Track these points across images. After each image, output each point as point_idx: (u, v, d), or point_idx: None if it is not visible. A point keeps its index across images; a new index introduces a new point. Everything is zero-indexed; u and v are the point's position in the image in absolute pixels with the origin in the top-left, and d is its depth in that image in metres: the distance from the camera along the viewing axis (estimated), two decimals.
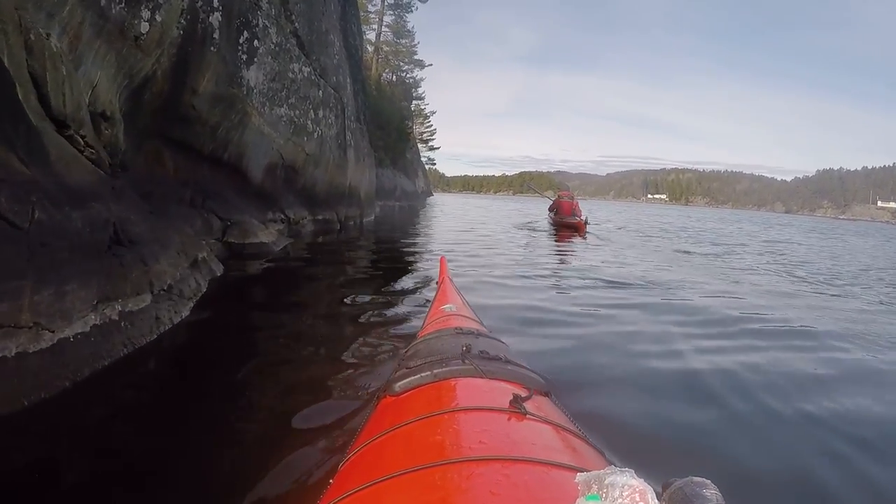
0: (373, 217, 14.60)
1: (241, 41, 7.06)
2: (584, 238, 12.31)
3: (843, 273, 9.09)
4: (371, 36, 43.37)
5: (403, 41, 46.01)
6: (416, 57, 47.43)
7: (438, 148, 73.91)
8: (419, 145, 69.33)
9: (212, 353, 3.14)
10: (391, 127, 30.83)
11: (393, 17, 45.07)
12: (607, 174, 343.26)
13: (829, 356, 3.63)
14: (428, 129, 74.64)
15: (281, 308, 4.35)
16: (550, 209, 16.20)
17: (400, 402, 1.39)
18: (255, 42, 7.46)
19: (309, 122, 9.19)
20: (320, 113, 9.62)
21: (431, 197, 58.74)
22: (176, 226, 4.99)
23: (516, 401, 1.18)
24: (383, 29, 44.22)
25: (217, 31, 6.31)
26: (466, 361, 1.47)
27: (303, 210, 9.65)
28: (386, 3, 43.70)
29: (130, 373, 2.64)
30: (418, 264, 7.36)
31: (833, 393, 2.90)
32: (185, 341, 3.23)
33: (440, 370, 1.43)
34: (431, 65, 49.35)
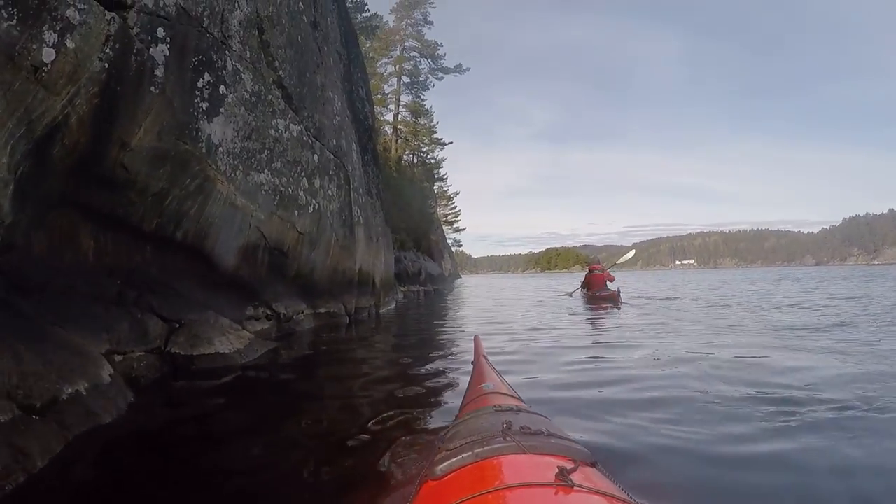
0: (393, 306, 12.51)
1: (199, 85, 5.22)
2: (619, 309, 11.64)
3: None
4: (389, 117, 43.35)
5: (422, 121, 45.69)
6: (435, 136, 46.91)
7: (464, 229, 72.99)
8: (444, 227, 68.48)
9: None
10: (413, 208, 29.46)
11: (410, 96, 45.02)
12: (633, 244, 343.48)
13: None
14: (452, 211, 73.99)
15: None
16: (583, 285, 15.52)
17: (442, 486, 1.34)
18: (222, 88, 5.65)
19: (301, 193, 7.27)
20: (316, 182, 7.73)
21: (459, 279, 57.17)
22: (77, 333, 3.39)
23: (562, 473, 1.15)
24: (401, 109, 44.04)
25: (162, 67, 4.47)
26: (508, 438, 1.44)
27: (298, 302, 7.58)
28: (402, 83, 43.69)
29: None
30: (451, 349, 6.35)
31: None
32: None
33: (481, 449, 1.40)
34: (452, 142, 48.84)
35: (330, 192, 8.21)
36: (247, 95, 6.11)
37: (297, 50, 7.66)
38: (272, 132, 6.67)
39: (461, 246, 78.83)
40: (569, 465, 1.23)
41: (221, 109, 5.58)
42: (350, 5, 27.08)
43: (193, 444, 2.97)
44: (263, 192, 6.43)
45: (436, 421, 3.25)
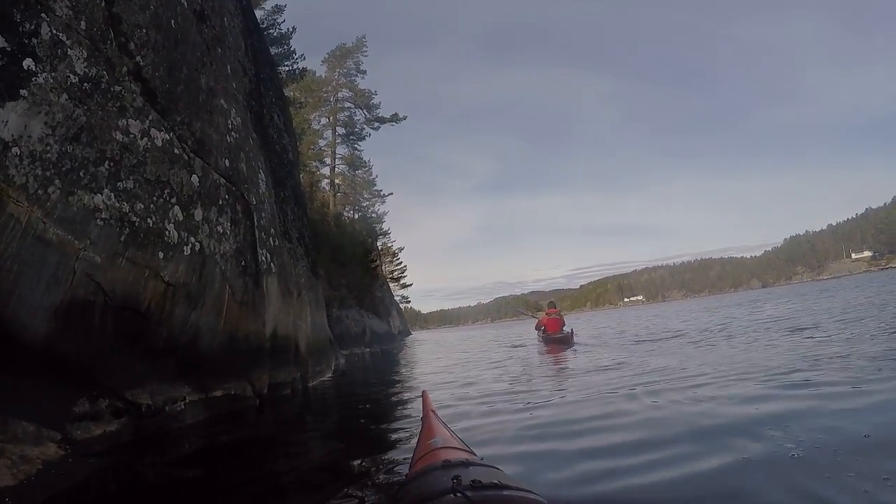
0: (329, 375, 10.11)
1: None
2: (574, 348, 11.79)
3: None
4: (326, 171, 41.47)
5: (360, 173, 44.03)
6: (375, 188, 45.24)
7: (411, 285, 71.03)
8: (391, 284, 66.20)
9: None
10: (354, 264, 27.29)
11: (346, 148, 43.43)
12: (580, 286, 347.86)
13: None
14: (398, 267, 71.99)
15: None
16: (537, 328, 15.29)
17: None
18: (29, 63, 3.58)
19: (170, 227, 5.03)
20: (197, 213, 5.50)
21: (410, 336, 54.65)
22: None
23: None
24: (337, 162, 42.28)
25: None
26: (458, 494, 1.38)
27: (175, 386, 5.15)
28: (337, 134, 42.07)
29: None
30: (402, 429, 4.68)
31: None
32: None
33: None
34: (392, 194, 47.51)
35: (220, 228, 5.98)
36: (74, 79, 4.02)
37: (170, 37, 5.62)
38: (118, 136, 4.50)
39: (409, 302, 76.63)
40: None
41: (24, 92, 3.47)
42: (278, 51, 25.37)
43: None
44: (100, 223, 4.20)
45: (385, 481, 2.96)
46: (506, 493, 1.39)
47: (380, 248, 62.07)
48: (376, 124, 45.14)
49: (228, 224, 6.18)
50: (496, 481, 1.45)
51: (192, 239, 5.43)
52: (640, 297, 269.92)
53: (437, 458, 1.89)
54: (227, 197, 6.26)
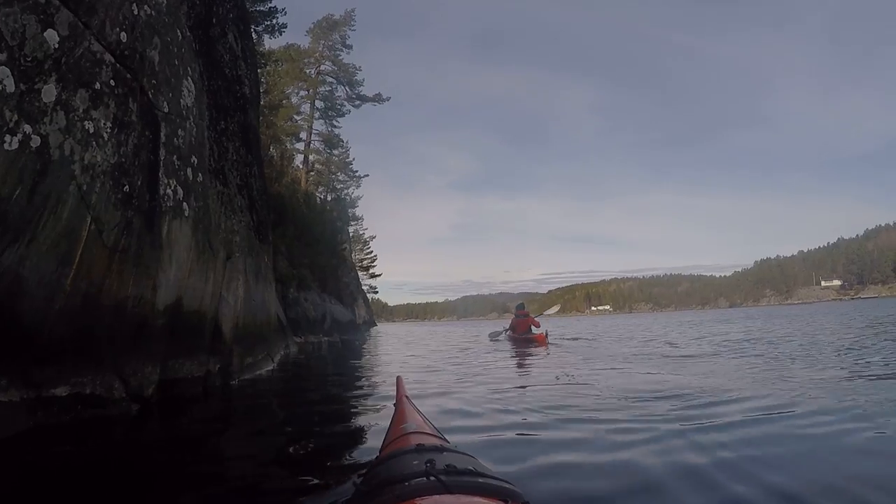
0: (270, 367, 7.81)
1: None
2: (547, 349, 11.74)
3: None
4: (300, 146, 38.90)
5: (336, 152, 41.48)
6: (351, 169, 42.74)
7: (380, 275, 68.88)
8: (359, 273, 63.82)
9: None
10: (321, 244, 24.97)
11: (324, 125, 40.84)
12: (549, 291, 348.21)
13: None
14: (368, 256, 69.67)
15: None
16: (510, 328, 15.88)
17: None
18: None
19: None
20: (46, 89, 3.25)
21: (375, 327, 52.49)
22: None
23: None
24: (313, 138, 39.67)
25: None
26: (431, 478, 1.30)
27: None
28: (315, 107, 39.44)
29: None
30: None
31: None
32: None
33: (401, 489, 1.28)
34: (367, 175, 44.99)
35: (91, 126, 3.69)
36: None
37: None
38: None
39: (377, 293, 74.57)
40: None
41: None
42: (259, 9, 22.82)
43: None
44: None
45: (353, 464, 2.94)
46: (480, 480, 1.33)
47: (351, 234, 59.84)
48: (358, 102, 42.59)
49: (108, 124, 3.89)
50: (470, 468, 1.40)
51: (28, 127, 3.15)
52: (607, 307, 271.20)
53: (410, 442, 1.76)
54: (112, 84, 3.97)
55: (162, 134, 4.74)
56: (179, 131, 5.14)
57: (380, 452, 2.08)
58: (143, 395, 4.19)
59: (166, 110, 4.88)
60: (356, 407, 5.02)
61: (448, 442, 2.01)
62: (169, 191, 4.76)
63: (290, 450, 3.33)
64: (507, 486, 1.35)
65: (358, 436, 3.78)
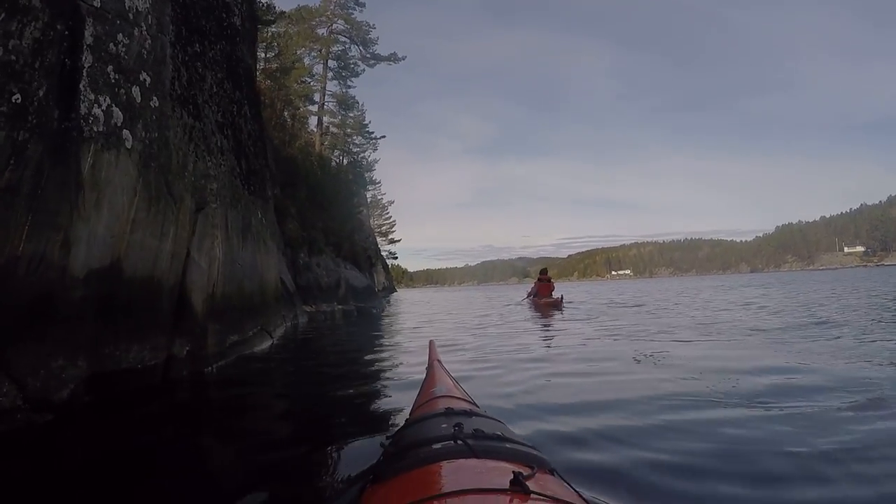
0: (268, 344, 6.57)
1: None
2: (562, 312, 12.34)
3: None
4: (314, 109, 37.40)
5: (351, 113, 39.88)
6: (367, 130, 41.14)
7: (399, 240, 67.95)
8: (378, 239, 62.87)
9: None
10: (336, 208, 23.75)
11: (337, 85, 39.18)
12: (569, 255, 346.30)
13: None
14: (387, 221, 68.62)
15: None
16: (530, 293, 16.57)
17: (385, 490, 1.23)
18: None
19: None
20: None
21: (395, 294, 51.47)
22: None
23: (517, 480, 1.02)
24: (327, 99, 38.09)
25: None
26: (459, 441, 1.32)
27: None
28: (329, 68, 37.79)
29: None
30: None
31: None
32: None
33: (429, 452, 1.29)
34: (384, 136, 43.11)
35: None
36: None
37: None
38: None
39: (396, 259, 73.83)
40: (525, 472, 1.09)
41: None
42: None
43: None
44: None
45: (386, 422, 3.08)
46: (507, 445, 1.32)
47: (369, 199, 58.52)
48: (372, 61, 40.74)
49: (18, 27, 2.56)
50: (499, 433, 1.41)
51: None
52: (627, 272, 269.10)
53: (440, 406, 1.78)
54: None
55: (88, 34, 3.39)
56: (121, 37, 3.77)
57: (411, 413, 2.04)
58: (55, 399, 2.92)
59: (97, 5, 3.52)
60: (367, 386, 4.34)
61: (478, 407, 1.95)
62: (98, 111, 3.41)
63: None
64: (533, 452, 1.32)
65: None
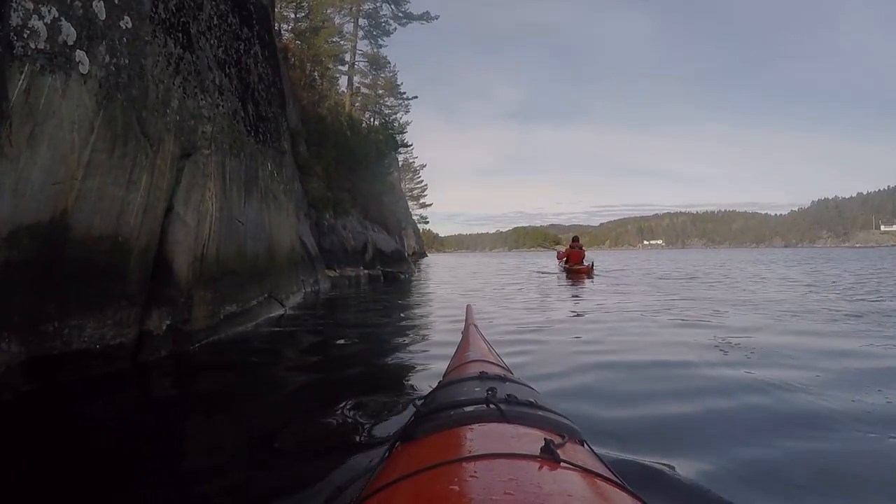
0: (280, 313, 5.90)
1: None
2: (593, 280, 12.88)
3: None
4: (343, 70, 36.37)
5: (382, 73, 38.75)
6: (399, 90, 40.02)
7: (430, 205, 67.15)
8: (410, 203, 62.14)
9: None
10: (365, 169, 23.04)
11: (368, 45, 38.02)
12: (601, 224, 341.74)
13: None
14: (419, 185, 67.83)
15: None
16: (560, 257, 17.34)
17: (415, 449, 1.20)
18: None
19: None
20: None
21: (426, 259, 50.86)
22: None
23: (548, 447, 1.00)
24: (357, 59, 37.00)
25: None
26: (491, 406, 1.27)
27: None
28: (359, 26, 36.60)
29: None
30: None
31: None
32: None
33: (460, 414, 1.26)
34: (416, 97, 41.98)
35: None
36: None
37: None
38: None
39: (428, 223, 73.22)
40: (556, 440, 1.06)
41: None
42: None
43: None
44: None
45: (417, 386, 3.07)
46: (540, 413, 1.27)
47: (401, 163, 57.63)
48: (404, 20, 39.29)
49: None
50: (532, 400, 1.34)
51: None
52: (660, 242, 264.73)
53: (474, 370, 1.72)
54: None
55: None
56: None
57: (444, 375, 2.04)
58: None
59: None
60: (389, 359, 4.00)
61: (511, 373, 1.88)
62: (38, 23, 2.63)
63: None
64: (565, 421, 1.28)
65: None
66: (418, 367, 3.61)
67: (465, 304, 3.36)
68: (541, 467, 0.96)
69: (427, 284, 13.09)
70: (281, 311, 6.03)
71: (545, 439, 1.03)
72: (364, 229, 16.19)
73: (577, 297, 8.98)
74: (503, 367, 2.00)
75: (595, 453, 1.20)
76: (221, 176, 4.46)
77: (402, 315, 6.78)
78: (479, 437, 1.15)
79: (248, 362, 3.86)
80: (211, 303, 4.14)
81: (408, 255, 28.81)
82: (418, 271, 20.96)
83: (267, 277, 5.63)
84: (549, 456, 0.98)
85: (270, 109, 6.56)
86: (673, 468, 1.92)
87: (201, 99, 4.32)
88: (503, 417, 1.22)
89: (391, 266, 15.82)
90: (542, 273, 16.79)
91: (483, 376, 1.56)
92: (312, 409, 2.68)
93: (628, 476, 1.13)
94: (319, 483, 1.85)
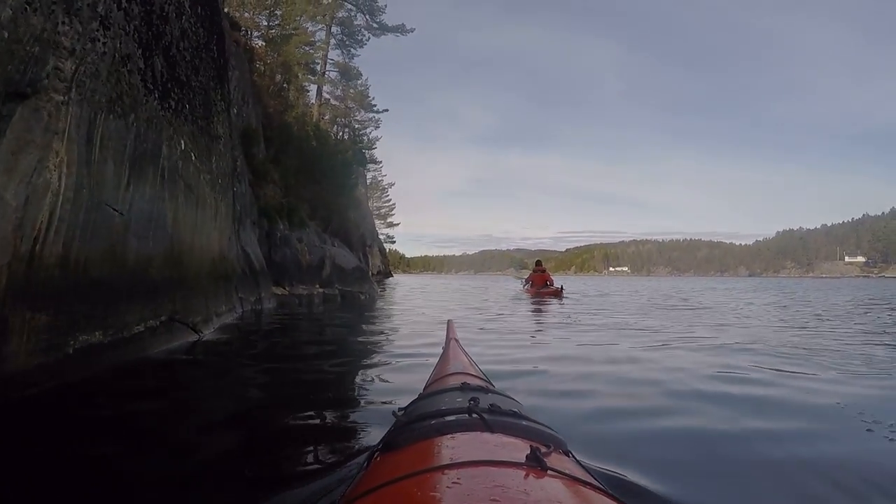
0: (188, 342, 4.38)
1: None
2: (562, 301, 13.34)
3: None
4: (314, 78, 35.04)
5: (353, 83, 37.50)
6: (369, 100, 38.79)
7: (398, 224, 66.05)
8: (377, 221, 60.98)
9: None
10: (329, 179, 21.77)
11: (340, 55, 36.82)
12: (567, 249, 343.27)
13: None
14: (387, 204, 66.59)
15: None
16: (525, 282, 17.83)
17: (396, 457, 1.16)
18: None
19: None
20: None
21: (391, 278, 49.39)
22: None
23: (534, 455, 0.97)
24: (328, 68, 35.73)
25: None
26: (474, 415, 1.25)
27: None
28: (332, 34, 35.38)
29: None
30: None
31: None
32: None
33: (442, 423, 1.23)
34: (387, 110, 40.86)
35: None
36: None
37: None
38: None
39: (394, 243, 71.84)
40: (542, 448, 1.03)
41: None
42: None
43: None
44: None
45: (395, 399, 2.89)
46: (524, 423, 1.25)
47: (369, 181, 56.26)
48: (378, 31, 38.20)
49: None
50: (514, 410, 1.35)
51: None
52: (625, 269, 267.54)
53: (455, 381, 1.75)
54: None
55: None
56: None
57: (424, 388, 1.98)
58: None
59: None
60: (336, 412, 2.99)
61: (494, 386, 1.89)
62: None
63: None
64: (550, 431, 1.27)
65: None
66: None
67: (447, 319, 3.28)
68: (527, 475, 0.93)
69: (391, 308, 11.59)
70: (194, 338, 4.53)
71: (531, 447, 1.00)
72: (322, 243, 14.61)
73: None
74: (485, 380, 1.97)
75: (581, 464, 1.16)
76: (85, 139, 3.00)
77: (352, 345, 5.38)
78: (463, 445, 1.11)
79: (96, 419, 2.41)
80: (48, 329, 2.65)
81: (372, 274, 27.28)
82: (382, 291, 19.38)
83: (167, 293, 4.11)
84: (535, 464, 0.95)
85: (197, 78, 5.10)
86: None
87: (63, 21, 2.88)
88: (486, 427, 1.18)
89: (351, 285, 14.29)
90: (515, 297, 16.44)
91: (465, 387, 1.55)
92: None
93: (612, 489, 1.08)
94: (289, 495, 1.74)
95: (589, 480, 1.01)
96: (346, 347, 5.39)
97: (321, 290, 12.16)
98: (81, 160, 2.95)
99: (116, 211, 3.35)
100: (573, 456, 1.21)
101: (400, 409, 1.59)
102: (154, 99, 3.96)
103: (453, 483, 0.90)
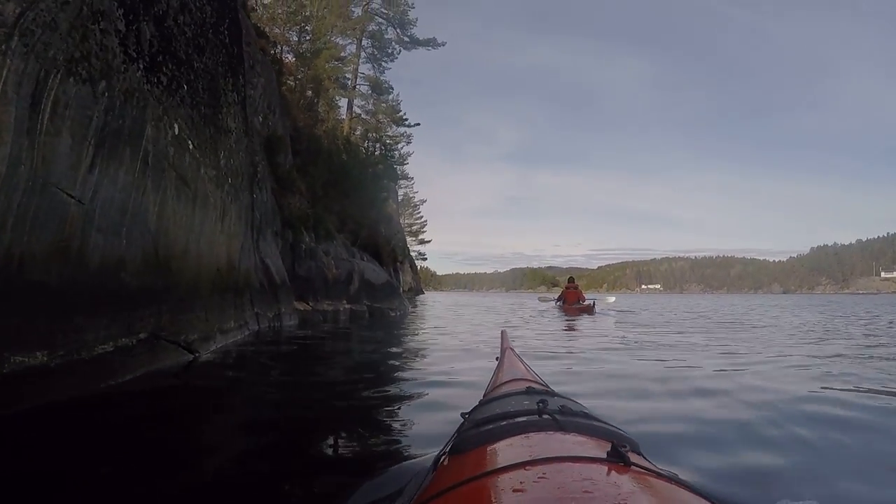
0: (180, 361, 3.71)
1: None
2: (592, 315, 14.15)
3: None
4: (344, 92, 34.85)
5: (384, 97, 37.18)
6: (401, 116, 38.36)
7: (430, 241, 65.65)
8: (408, 238, 60.66)
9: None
10: (359, 191, 21.42)
11: (371, 69, 36.59)
12: (598, 267, 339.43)
13: None
14: (419, 221, 66.24)
15: None
16: (558, 299, 18.19)
17: (469, 458, 1.10)
18: None
19: None
20: None
21: (422, 295, 48.91)
22: None
23: (616, 451, 0.94)
24: (359, 81, 35.50)
25: None
26: (545, 416, 1.22)
27: None
28: (363, 48, 35.19)
29: None
30: None
31: None
32: None
33: (513, 424, 1.18)
34: (419, 124, 40.24)
35: None
36: None
37: None
38: None
39: (426, 260, 71.36)
40: (620, 446, 0.97)
41: None
42: None
43: None
44: None
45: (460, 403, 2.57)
46: (596, 424, 1.22)
47: (400, 198, 55.95)
48: (410, 45, 37.91)
49: None
50: (585, 412, 1.33)
51: None
52: (658, 286, 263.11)
53: (520, 386, 1.70)
54: None
55: None
56: None
57: (485, 393, 1.96)
58: None
59: None
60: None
61: (555, 391, 1.79)
62: None
63: None
64: (621, 432, 1.24)
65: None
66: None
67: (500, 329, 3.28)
68: (610, 471, 0.90)
69: (423, 325, 10.79)
70: (188, 358, 3.83)
71: (612, 444, 0.97)
72: (351, 257, 13.95)
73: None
74: (546, 386, 1.89)
75: (654, 464, 1.09)
76: (28, 101, 2.33)
77: (381, 370, 4.62)
78: (540, 443, 1.08)
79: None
80: None
81: (402, 290, 26.60)
82: (413, 308, 18.62)
83: (149, 304, 3.41)
84: (618, 460, 0.92)
85: (200, 59, 4.45)
86: None
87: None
88: (559, 427, 1.15)
89: (380, 301, 13.58)
90: (551, 314, 16.03)
91: (531, 391, 1.51)
92: None
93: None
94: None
95: (672, 476, 0.99)
96: (370, 367, 4.79)
97: (348, 305, 11.44)
98: (20, 128, 2.27)
99: (72, 197, 2.65)
100: (646, 458, 1.12)
101: (464, 413, 1.52)
102: (138, 70, 3.29)
103: (540, 478, 0.86)
